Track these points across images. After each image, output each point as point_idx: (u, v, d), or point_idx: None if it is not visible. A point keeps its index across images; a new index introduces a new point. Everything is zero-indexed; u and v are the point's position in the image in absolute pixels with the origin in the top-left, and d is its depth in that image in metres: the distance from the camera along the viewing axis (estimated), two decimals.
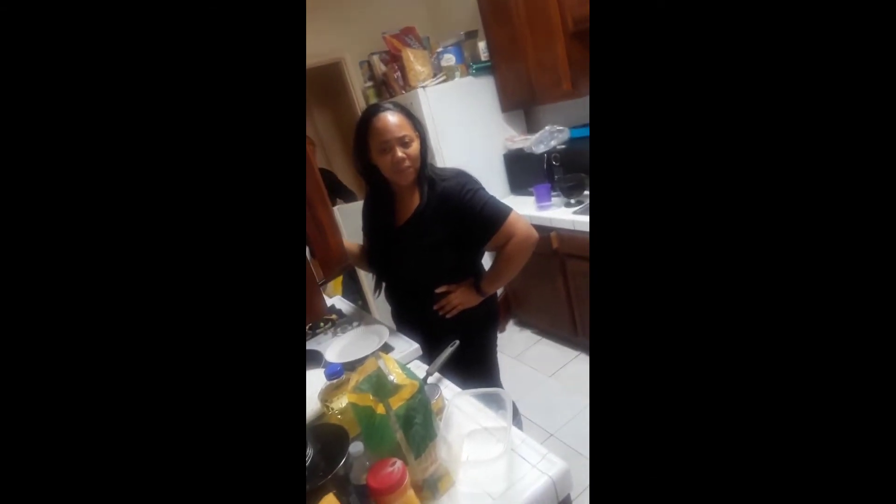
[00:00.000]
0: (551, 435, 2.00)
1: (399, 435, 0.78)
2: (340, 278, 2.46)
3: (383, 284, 1.47)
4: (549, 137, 2.51)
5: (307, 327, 1.52)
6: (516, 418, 1.57)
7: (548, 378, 2.41)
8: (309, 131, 4.08)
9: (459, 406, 1.01)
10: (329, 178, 3.25)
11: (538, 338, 2.78)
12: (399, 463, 0.75)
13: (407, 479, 0.74)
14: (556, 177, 2.45)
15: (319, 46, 3.19)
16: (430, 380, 1.11)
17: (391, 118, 1.20)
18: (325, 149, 4.42)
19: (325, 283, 1.56)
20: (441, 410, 0.99)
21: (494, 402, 0.99)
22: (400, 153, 1.20)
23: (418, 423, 0.80)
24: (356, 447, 0.82)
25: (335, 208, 2.61)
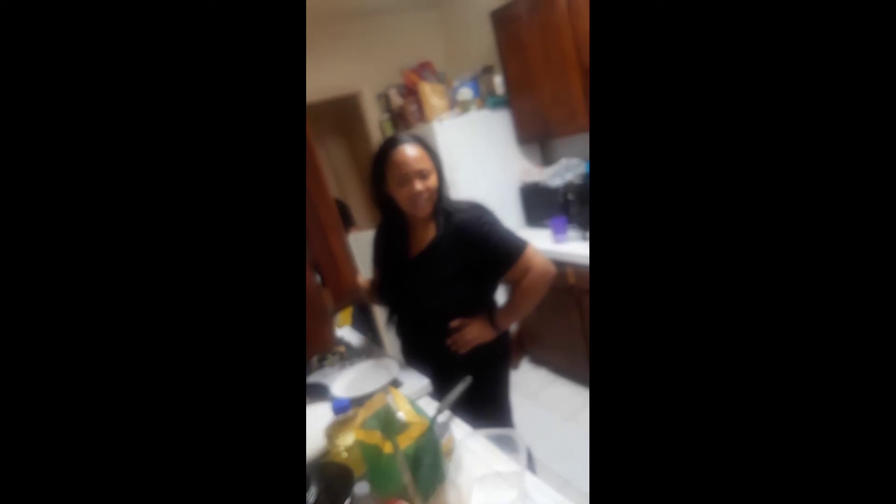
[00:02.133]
0: (568, 482, 1.91)
1: (406, 476, 0.74)
2: (350, 309, 2.43)
3: (396, 317, 1.44)
4: (565, 171, 2.51)
5: (315, 359, 1.49)
6: (530, 463, 1.50)
7: (564, 421, 2.32)
8: (324, 162, 4.14)
9: (470, 447, 0.97)
10: (342, 209, 3.28)
11: (554, 377, 2.70)
12: None
13: None
14: (572, 210, 2.43)
15: (337, 79, 3.27)
16: (440, 418, 1.06)
17: (410, 151, 1.20)
18: (339, 180, 4.48)
19: (335, 313, 1.54)
20: (451, 451, 0.94)
21: (507, 445, 0.95)
22: (419, 186, 1.20)
23: (427, 465, 0.76)
24: (361, 488, 0.78)
25: (350, 236, 2.61)
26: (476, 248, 1.22)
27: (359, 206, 4.18)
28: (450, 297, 1.27)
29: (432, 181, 1.22)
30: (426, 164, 1.21)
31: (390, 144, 1.23)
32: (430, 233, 1.28)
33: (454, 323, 1.29)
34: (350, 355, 1.51)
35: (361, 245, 2.45)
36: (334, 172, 4.44)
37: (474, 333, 1.29)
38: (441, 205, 1.27)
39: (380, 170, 1.25)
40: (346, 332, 1.75)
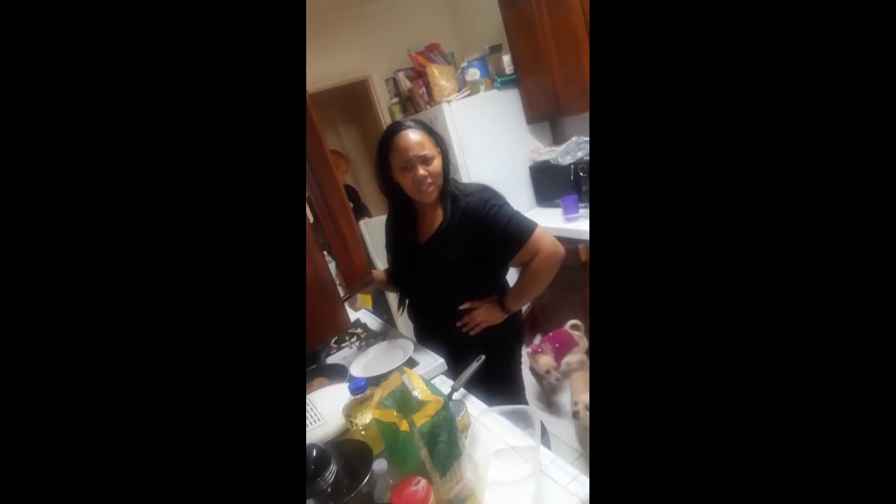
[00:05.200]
0: (581, 454, 1.94)
1: (423, 453, 0.77)
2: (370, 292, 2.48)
3: (406, 301, 1.46)
4: (576, 149, 2.48)
5: (333, 341, 1.53)
6: (544, 437, 1.53)
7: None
8: (336, 147, 4.16)
9: (486, 423, 0.99)
10: (352, 195, 3.30)
11: None
12: (423, 482, 0.74)
13: (431, 499, 0.73)
14: (583, 188, 2.42)
15: (346, 65, 3.27)
16: (456, 395, 1.09)
17: (412, 136, 1.21)
18: (352, 166, 4.50)
19: (349, 297, 1.57)
20: (467, 428, 0.97)
21: (522, 420, 0.97)
22: (422, 171, 1.20)
23: (443, 441, 0.78)
24: (380, 464, 0.81)
25: (360, 223, 2.64)
26: (484, 232, 1.23)
27: (371, 191, 4.20)
28: (459, 281, 1.29)
29: (436, 166, 1.22)
30: (429, 148, 1.21)
31: (393, 130, 1.23)
32: (438, 218, 1.29)
33: (464, 305, 1.31)
34: (367, 337, 1.55)
35: (375, 231, 2.47)
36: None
37: (484, 316, 1.31)
38: (447, 189, 1.27)
39: (384, 156, 1.25)
40: (364, 315, 1.78)
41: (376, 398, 0.85)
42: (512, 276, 1.39)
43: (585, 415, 1.82)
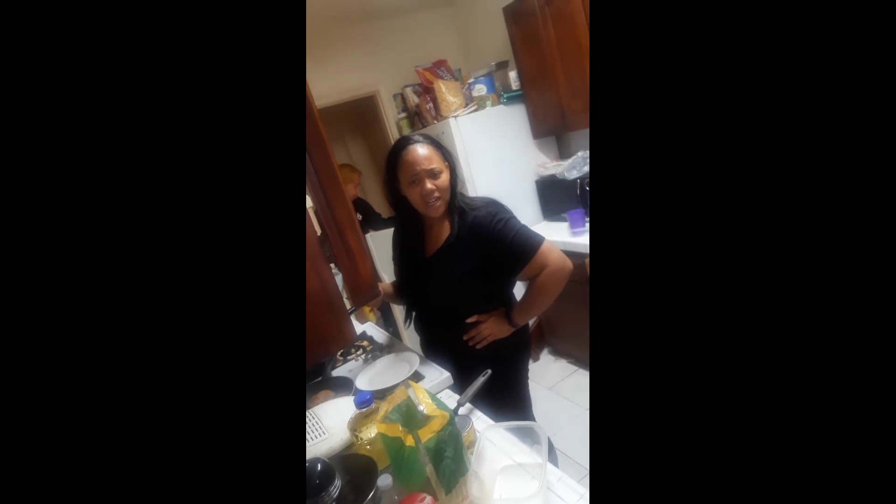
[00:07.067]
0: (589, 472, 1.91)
1: (429, 468, 0.76)
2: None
3: (413, 314, 1.46)
4: (582, 163, 2.49)
5: (339, 354, 1.52)
6: (552, 454, 1.51)
7: (584, 411, 2.32)
8: (345, 160, 4.20)
9: (492, 439, 0.98)
10: (363, 207, 3.32)
11: (574, 368, 2.70)
12: (429, 499, 0.73)
13: None
14: (589, 202, 2.42)
15: (355, 80, 3.31)
16: (462, 410, 1.08)
17: (420, 150, 1.21)
18: (361, 179, 4.53)
19: (355, 310, 1.57)
20: (473, 443, 0.96)
21: (528, 437, 0.96)
22: (429, 185, 1.21)
23: (449, 457, 0.78)
24: (385, 480, 0.80)
25: (367, 236, 2.64)
26: (490, 247, 1.23)
27: (378, 205, 4.23)
28: (466, 295, 1.28)
29: (443, 180, 1.23)
30: (437, 162, 1.22)
31: (401, 145, 1.24)
32: (445, 231, 1.29)
33: (471, 318, 1.30)
34: (373, 350, 1.54)
35: (381, 243, 2.47)
36: None
37: (491, 329, 1.30)
38: (455, 203, 1.28)
39: (392, 170, 1.26)
40: (370, 328, 1.78)
41: (382, 412, 0.84)
42: (519, 289, 1.38)
43: None
